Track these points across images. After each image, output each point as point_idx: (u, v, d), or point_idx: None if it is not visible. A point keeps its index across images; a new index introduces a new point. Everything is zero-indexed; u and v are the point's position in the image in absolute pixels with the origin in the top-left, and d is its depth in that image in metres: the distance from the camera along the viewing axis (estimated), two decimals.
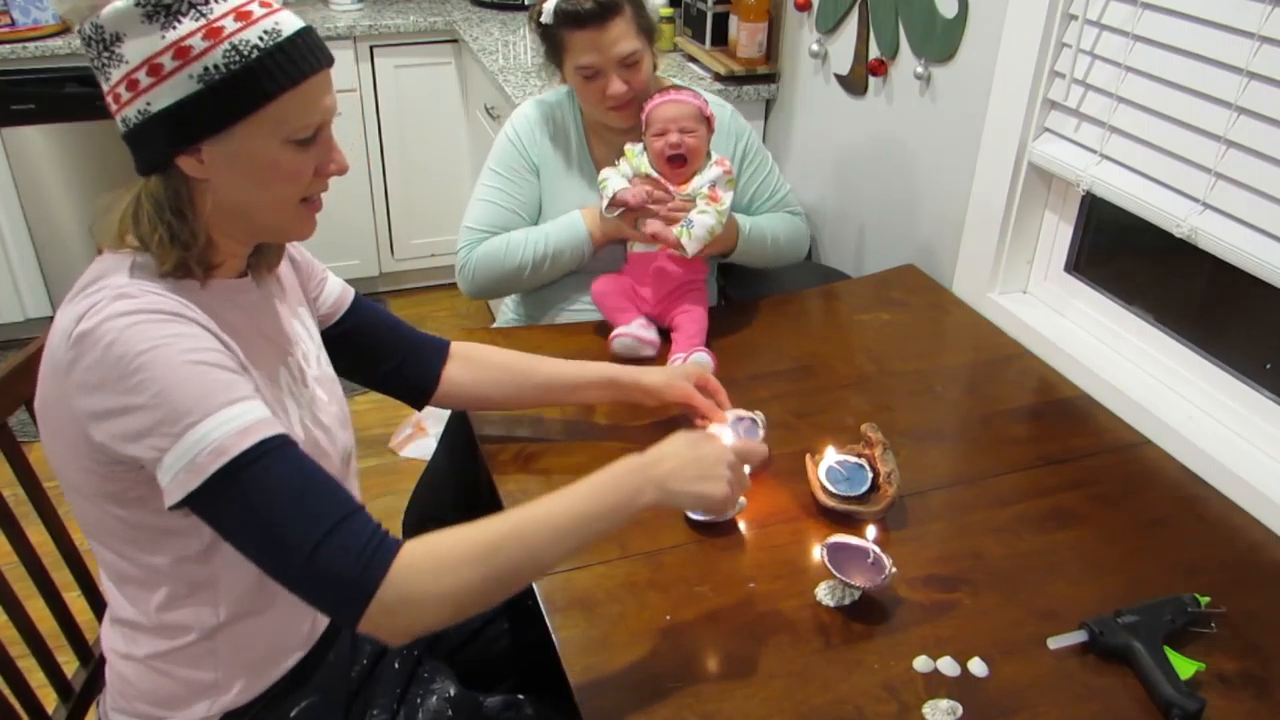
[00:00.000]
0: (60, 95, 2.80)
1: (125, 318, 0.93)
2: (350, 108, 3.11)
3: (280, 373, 1.10)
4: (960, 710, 1.06)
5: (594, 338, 1.75)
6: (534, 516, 1.02)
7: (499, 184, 1.80)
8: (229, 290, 1.06)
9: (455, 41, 3.14)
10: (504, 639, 1.39)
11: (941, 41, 1.93)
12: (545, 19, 1.67)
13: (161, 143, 0.96)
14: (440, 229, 3.35)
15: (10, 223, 2.95)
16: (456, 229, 1.83)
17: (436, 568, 0.95)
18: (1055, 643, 1.14)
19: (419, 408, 1.40)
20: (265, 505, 0.93)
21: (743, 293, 1.97)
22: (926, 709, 1.06)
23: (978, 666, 1.11)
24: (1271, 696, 1.09)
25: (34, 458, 1.23)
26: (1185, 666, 1.09)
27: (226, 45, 0.93)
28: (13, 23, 2.78)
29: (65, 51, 2.79)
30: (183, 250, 0.99)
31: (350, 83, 3.08)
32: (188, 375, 0.92)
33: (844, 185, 2.36)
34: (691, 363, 1.59)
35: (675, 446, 1.10)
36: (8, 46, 2.73)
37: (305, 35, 0.98)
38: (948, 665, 1.11)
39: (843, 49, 2.27)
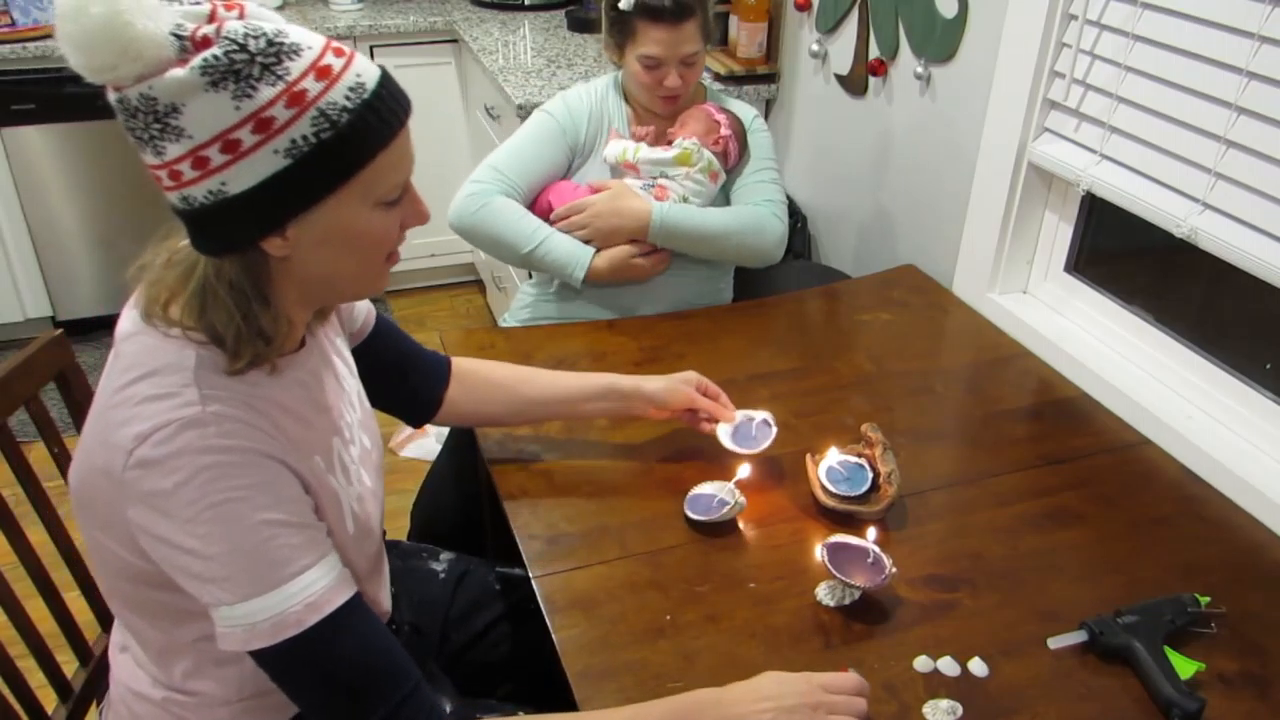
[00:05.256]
0: (60, 95, 2.80)
1: (197, 457, 0.86)
2: None
3: (334, 444, 1.03)
4: (960, 710, 1.06)
5: (593, 338, 1.75)
6: None
7: (531, 143, 1.83)
8: (289, 367, 0.98)
9: (455, 41, 3.14)
10: (506, 643, 1.39)
11: (941, 41, 1.93)
12: (624, 6, 1.73)
13: (245, 226, 0.85)
14: (440, 229, 3.28)
15: (10, 223, 2.95)
16: (479, 168, 1.81)
17: None
18: (1055, 643, 1.14)
19: (417, 426, 1.35)
20: (329, 677, 0.92)
21: (743, 293, 1.97)
22: (926, 709, 1.06)
23: (978, 666, 1.11)
24: (1271, 696, 1.09)
25: (34, 457, 1.23)
26: (1185, 666, 1.09)
27: (313, 112, 0.82)
28: (13, 23, 2.78)
29: None
30: (264, 344, 0.91)
31: None
32: (262, 540, 0.88)
33: (844, 185, 2.36)
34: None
35: (759, 688, 1.00)
36: (8, 46, 2.73)
37: (387, 85, 0.89)
38: (948, 665, 1.11)
39: (843, 49, 2.27)
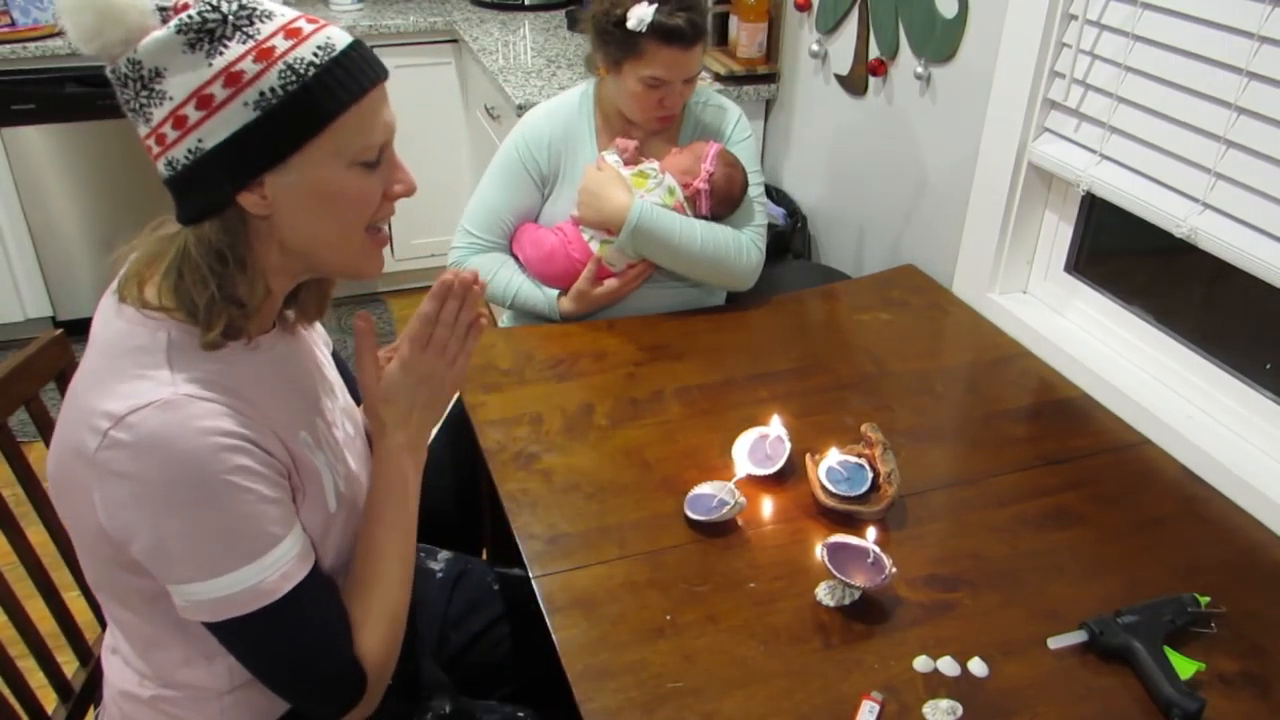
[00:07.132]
0: (60, 95, 2.79)
1: (172, 442, 0.87)
2: None
3: (317, 424, 1.05)
4: (960, 710, 1.06)
5: (593, 338, 1.75)
6: (383, 569, 1.06)
7: (495, 189, 1.82)
8: (267, 344, 1.00)
9: (455, 41, 3.13)
10: (505, 644, 1.39)
11: (941, 41, 1.93)
12: (633, 25, 1.67)
13: (220, 181, 0.88)
14: (440, 229, 3.32)
15: (10, 223, 2.95)
16: (456, 229, 1.84)
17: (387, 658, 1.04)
18: (1055, 643, 1.14)
19: None
20: (272, 647, 0.96)
21: (743, 293, 1.97)
22: (926, 709, 1.06)
23: (978, 666, 1.11)
24: (1271, 697, 1.09)
25: (34, 457, 1.23)
26: (1185, 666, 1.09)
27: (281, 65, 0.87)
28: (13, 23, 2.78)
29: (65, 51, 2.78)
30: (237, 308, 0.92)
31: None
32: (238, 519, 0.90)
33: (844, 185, 2.36)
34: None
35: (401, 393, 1.08)
36: (8, 46, 2.73)
37: (358, 48, 0.93)
38: (948, 665, 1.11)
39: (843, 49, 2.27)
